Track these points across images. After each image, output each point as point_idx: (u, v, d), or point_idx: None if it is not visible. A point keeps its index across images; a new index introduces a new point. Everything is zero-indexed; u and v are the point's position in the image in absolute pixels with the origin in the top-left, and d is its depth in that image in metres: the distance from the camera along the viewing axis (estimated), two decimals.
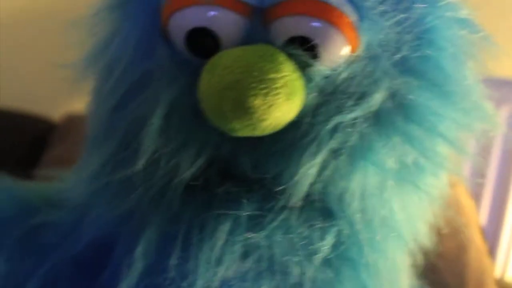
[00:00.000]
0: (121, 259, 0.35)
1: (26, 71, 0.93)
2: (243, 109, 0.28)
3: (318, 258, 0.32)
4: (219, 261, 0.31)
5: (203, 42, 0.31)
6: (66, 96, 0.98)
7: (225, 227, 0.31)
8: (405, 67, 0.32)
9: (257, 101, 0.27)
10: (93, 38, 0.37)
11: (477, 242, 0.68)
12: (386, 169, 0.32)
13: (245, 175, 0.33)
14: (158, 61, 0.32)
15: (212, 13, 0.30)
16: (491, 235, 0.97)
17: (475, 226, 0.70)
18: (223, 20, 0.31)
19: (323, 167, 0.31)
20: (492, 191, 0.98)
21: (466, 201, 0.70)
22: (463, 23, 0.35)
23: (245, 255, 0.32)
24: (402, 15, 0.32)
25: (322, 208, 0.33)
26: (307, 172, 0.31)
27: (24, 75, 0.94)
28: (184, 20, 0.31)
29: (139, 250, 0.33)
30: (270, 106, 0.28)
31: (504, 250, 0.97)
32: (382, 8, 0.31)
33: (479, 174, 0.96)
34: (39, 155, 0.84)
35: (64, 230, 0.39)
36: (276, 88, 0.28)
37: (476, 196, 0.93)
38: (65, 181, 0.43)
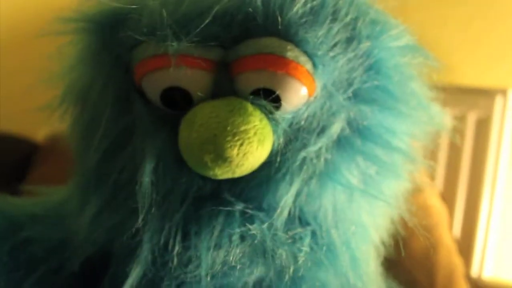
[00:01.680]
0: (120, 265, 0.37)
1: (8, 93, 0.94)
2: (222, 159, 0.31)
3: (300, 255, 0.36)
4: (218, 247, 0.34)
5: (176, 98, 0.34)
6: (49, 117, 0.99)
7: (220, 219, 0.34)
8: (358, 98, 0.36)
9: (234, 151, 0.31)
10: (68, 80, 0.40)
11: (446, 241, 0.70)
12: (352, 184, 0.36)
13: (229, 205, 0.35)
14: (137, 116, 0.35)
15: (181, 73, 0.33)
16: (467, 236, 1.00)
17: (444, 227, 0.73)
18: (192, 78, 0.34)
19: (297, 194, 0.35)
20: (465, 194, 1.01)
21: (435, 204, 0.73)
22: (406, 49, 0.38)
23: (241, 240, 0.35)
24: (351, 54, 0.35)
25: (297, 220, 0.37)
26: (285, 201, 0.34)
27: (6, 97, 0.95)
28: (156, 81, 0.34)
29: (144, 248, 0.35)
30: (245, 154, 0.31)
31: (479, 250, 1.00)
32: (333, 53, 0.35)
33: (450, 178, 0.99)
34: (23, 176, 0.84)
35: (51, 246, 0.40)
36: (249, 137, 0.31)
37: (450, 200, 0.96)
38: (50, 199, 0.44)
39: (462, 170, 1.01)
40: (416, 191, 0.71)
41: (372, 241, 0.41)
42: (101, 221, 0.37)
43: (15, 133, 0.95)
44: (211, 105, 0.33)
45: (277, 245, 0.35)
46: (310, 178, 0.35)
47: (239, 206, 0.35)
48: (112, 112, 0.36)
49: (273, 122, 0.34)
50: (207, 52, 0.34)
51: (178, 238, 0.34)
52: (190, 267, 0.34)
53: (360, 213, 0.38)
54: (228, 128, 0.31)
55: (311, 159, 0.35)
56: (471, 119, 1.02)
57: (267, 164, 0.34)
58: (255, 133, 0.32)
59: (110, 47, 0.36)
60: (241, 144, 0.31)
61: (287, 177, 0.34)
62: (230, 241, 0.34)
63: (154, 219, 0.34)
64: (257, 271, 0.35)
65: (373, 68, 0.37)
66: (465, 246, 0.96)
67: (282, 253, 0.35)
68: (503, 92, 1.01)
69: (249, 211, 0.35)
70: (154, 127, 0.35)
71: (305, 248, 0.35)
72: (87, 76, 0.38)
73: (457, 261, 0.70)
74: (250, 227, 0.34)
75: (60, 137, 0.88)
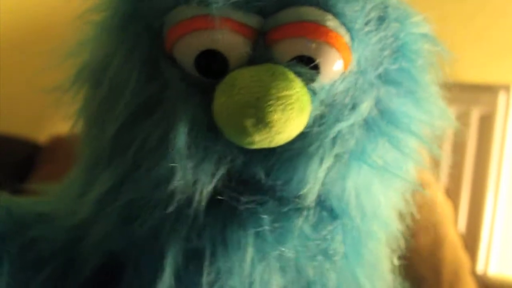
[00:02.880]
0: (137, 278, 0.36)
1: (10, 95, 0.95)
2: (263, 124, 0.30)
3: (333, 257, 0.35)
4: (251, 275, 0.34)
5: (212, 63, 0.33)
6: (51, 118, 0.99)
7: (250, 241, 0.33)
8: (385, 78, 0.36)
9: (276, 116, 0.30)
10: (80, 61, 0.39)
11: (451, 237, 0.70)
12: (374, 167, 0.36)
13: (258, 185, 0.35)
14: (168, 81, 0.34)
15: (220, 36, 0.33)
16: (471, 233, 1.00)
17: (449, 223, 0.73)
18: (231, 42, 0.33)
19: (328, 171, 0.34)
20: (470, 191, 1.01)
21: (441, 200, 0.73)
22: (426, 37, 0.39)
23: (276, 268, 0.34)
24: (382, 33, 0.36)
25: (325, 211, 0.36)
26: (316, 177, 0.34)
27: (8, 98, 0.95)
28: (192, 43, 0.33)
29: (167, 268, 0.34)
30: (286, 120, 0.31)
31: (484, 247, 1.00)
32: (367, 28, 0.35)
33: (455, 175, 0.99)
34: (26, 177, 0.85)
35: (57, 246, 0.39)
36: (291, 103, 0.31)
37: (454, 197, 0.96)
38: (54, 198, 0.44)
39: (466, 166, 1.01)
40: (421, 188, 0.71)
41: (388, 231, 0.41)
42: (116, 196, 0.35)
43: (17, 134, 0.95)
44: (252, 70, 0.32)
45: (309, 261, 0.35)
46: (341, 155, 0.34)
47: (270, 183, 0.34)
48: (138, 80, 0.34)
49: (311, 91, 0.33)
50: (247, 17, 0.33)
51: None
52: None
53: (379, 198, 0.38)
54: (271, 91, 0.30)
55: (344, 135, 0.34)
56: (475, 115, 1.02)
57: (301, 136, 0.33)
58: (296, 100, 0.31)
59: (140, 14, 0.35)
60: (283, 110, 0.30)
61: (320, 151, 0.33)
62: (264, 266, 0.34)
63: (182, 191, 0.33)
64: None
65: (399, 51, 0.37)
66: (470, 243, 0.96)
67: (313, 270, 0.35)
68: (506, 88, 1.01)
69: (279, 189, 0.34)
70: (186, 92, 0.33)
71: (337, 250, 0.36)
72: (108, 48, 0.36)
73: (463, 257, 0.70)
74: (282, 247, 0.34)
75: (63, 138, 0.89)
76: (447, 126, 0.40)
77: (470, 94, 1.02)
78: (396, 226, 0.41)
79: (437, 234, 0.68)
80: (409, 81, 0.37)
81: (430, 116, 0.39)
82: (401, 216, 0.42)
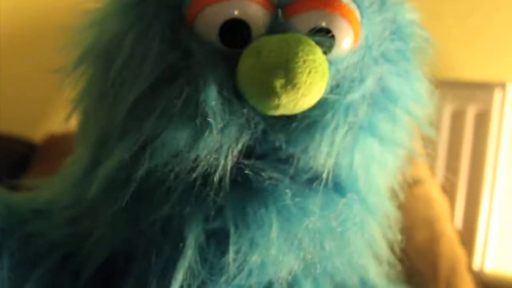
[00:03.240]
0: (147, 266, 0.36)
1: (5, 94, 0.94)
2: (291, 85, 0.31)
3: (349, 229, 0.37)
4: (275, 251, 0.34)
5: (236, 33, 0.35)
6: (47, 117, 0.99)
7: (273, 217, 0.34)
8: (386, 57, 0.38)
9: (303, 78, 0.31)
10: (83, 46, 0.39)
11: (448, 233, 0.70)
12: (378, 138, 0.38)
13: (276, 156, 0.35)
14: (191, 51, 0.35)
15: (245, 5, 0.34)
16: (468, 230, 1.00)
17: (446, 219, 0.73)
18: (254, 12, 0.35)
19: (342, 140, 0.35)
20: (466, 188, 1.01)
21: (437, 196, 0.73)
22: (416, 23, 0.42)
23: (299, 242, 0.35)
24: (383, 15, 0.38)
25: (337, 184, 0.37)
26: (332, 144, 0.35)
27: (3, 97, 0.95)
28: (218, 13, 0.34)
29: (188, 250, 0.34)
30: (311, 82, 0.32)
31: (481, 244, 1.00)
32: (372, 8, 0.38)
33: (451, 171, 1.00)
34: (21, 176, 0.84)
35: (54, 241, 0.39)
36: (316, 67, 0.32)
37: (450, 194, 0.96)
38: (51, 191, 0.43)
39: (462, 163, 1.01)
40: (417, 184, 0.71)
41: (384, 208, 0.42)
42: (131, 170, 0.35)
43: (12, 133, 0.94)
44: (277, 36, 0.34)
45: (327, 235, 0.36)
46: (353, 124, 0.35)
47: (289, 151, 0.35)
48: (158, 51, 0.35)
49: (328, 60, 0.35)
50: None
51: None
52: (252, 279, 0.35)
53: (378, 172, 0.40)
54: (299, 54, 0.32)
55: (356, 105, 0.36)
56: (471, 113, 1.02)
57: (318, 105, 0.34)
58: (319, 64, 0.32)
59: None
60: (309, 72, 0.32)
61: (335, 119, 0.35)
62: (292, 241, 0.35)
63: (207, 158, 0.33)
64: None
65: (396, 33, 0.39)
66: (467, 240, 0.96)
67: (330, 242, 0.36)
68: (502, 85, 1.01)
69: (296, 159, 0.35)
70: (212, 58, 0.34)
71: (351, 223, 0.37)
72: (120, 26, 0.37)
73: (460, 252, 0.70)
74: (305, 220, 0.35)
75: (59, 137, 0.89)
76: (433, 107, 0.42)
77: (466, 92, 1.03)
78: (390, 202, 0.43)
79: (434, 229, 0.68)
80: (405, 61, 0.40)
81: (420, 96, 0.41)
82: (394, 192, 0.43)
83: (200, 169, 0.34)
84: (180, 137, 0.33)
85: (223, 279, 0.35)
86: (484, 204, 1.00)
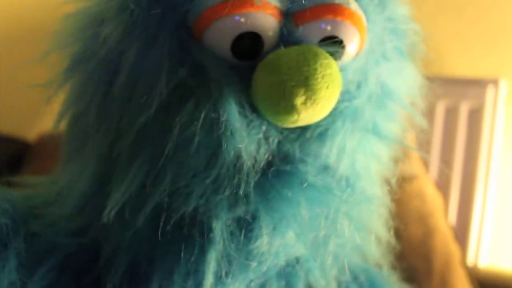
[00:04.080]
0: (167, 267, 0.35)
1: None
2: (311, 101, 0.32)
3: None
4: (311, 228, 0.35)
5: (248, 46, 0.34)
6: (40, 116, 0.99)
7: (300, 195, 0.34)
8: (385, 56, 0.39)
9: (322, 93, 0.32)
10: (70, 53, 0.38)
11: (442, 228, 0.71)
12: (378, 138, 0.38)
13: (291, 160, 0.35)
14: (203, 66, 0.34)
15: (255, 17, 0.33)
16: (461, 226, 1.00)
17: (440, 214, 0.73)
18: (265, 23, 0.34)
19: (350, 144, 0.36)
20: (459, 184, 1.02)
21: (430, 191, 0.73)
22: (408, 19, 0.41)
23: (326, 217, 0.35)
24: (383, 15, 0.38)
25: (341, 179, 0.37)
26: (344, 149, 0.35)
27: None
28: (229, 27, 0.33)
29: (216, 240, 0.34)
30: (329, 97, 0.32)
31: (474, 240, 1.01)
32: (375, 10, 0.38)
33: (445, 166, 1.00)
34: (15, 175, 0.83)
35: (52, 241, 0.38)
36: (333, 81, 0.32)
37: (444, 190, 0.96)
38: (50, 193, 0.42)
39: (456, 160, 1.01)
40: (411, 179, 0.72)
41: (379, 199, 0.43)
42: (148, 194, 0.34)
43: (6, 132, 0.94)
44: (295, 50, 0.33)
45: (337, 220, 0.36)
46: (359, 128, 0.36)
47: (303, 159, 0.35)
48: (167, 67, 0.34)
49: (340, 68, 0.35)
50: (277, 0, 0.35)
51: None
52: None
53: (375, 167, 0.40)
54: (318, 70, 0.32)
55: (360, 109, 0.36)
56: (464, 109, 1.03)
57: (330, 112, 0.35)
58: (335, 78, 0.33)
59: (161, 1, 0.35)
60: (327, 87, 0.32)
61: (345, 126, 0.35)
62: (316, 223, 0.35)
63: (227, 179, 0.33)
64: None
65: (393, 31, 0.39)
66: (461, 236, 0.96)
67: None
68: (495, 82, 1.02)
69: (311, 167, 0.35)
70: (227, 74, 0.34)
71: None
72: (120, 33, 0.35)
73: (453, 247, 0.70)
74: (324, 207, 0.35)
75: (52, 136, 0.88)
76: (426, 102, 0.43)
77: (459, 88, 1.03)
78: (384, 192, 0.43)
79: (428, 225, 0.69)
80: (400, 58, 0.40)
81: (413, 89, 0.42)
82: (388, 182, 0.43)
83: (222, 189, 0.34)
84: (200, 156, 0.33)
85: (257, 262, 0.35)
86: (478, 200, 1.00)
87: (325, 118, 0.35)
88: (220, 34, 0.34)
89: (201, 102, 0.33)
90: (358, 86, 0.37)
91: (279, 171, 0.35)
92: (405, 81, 0.41)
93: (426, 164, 0.90)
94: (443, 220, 0.73)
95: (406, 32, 0.41)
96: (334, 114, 0.35)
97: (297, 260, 0.38)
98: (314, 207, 0.35)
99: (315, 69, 0.32)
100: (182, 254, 0.35)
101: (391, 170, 0.42)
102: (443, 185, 0.96)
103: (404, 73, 0.40)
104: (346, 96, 0.36)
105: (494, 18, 1.04)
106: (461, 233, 0.98)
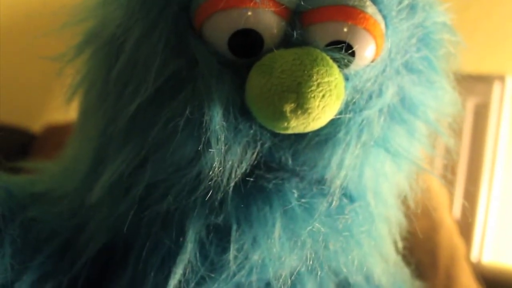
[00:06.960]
0: (147, 257, 0.35)
1: (3, 83, 0.94)
2: (302, 110, 0.29)
3: (356, 236, 0.36)
4: (278, 250, 0.33)
5: (246, 43, 0.32)
6: (45, 107, 0.99)
7: (277, 217, 0.33)
8: (409, 67, 0.36)
9: (316, 103, 0.29)
10: (85, 29, 0.37)
11: (447, 223, 0.71)
12: (391, 153, 0.36)
13: (282, 168, 0.34)
14: (198, 60, 0.32)
15: (258, 14, 0.31)
16: (466, 221, 1.00)
17: (445, 209, 0.73)
18: (268, 22, 0.32)
19: (353, 158, 0.34)
20: (465, 179, 1.02)
21: (436, 186, 0.73)
22: (446, 27, 0.39)
23: (303, 243, 0.34)
24: (411, 22, 0.35)
25: (344, 195, 0.36)
26: (342, 164, 0.33)
27: (2, 87, 0.95)
28: (228, 21, 0.32)
29: (188, 244, 0.33)
30: (324, 106, 0.30)
31: (479, 236, 1.00)
32: (400, 16, 0.35)
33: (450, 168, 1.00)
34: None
35: (52, 227, 0.38)
36: (330, 90, 0.30)
37: (450, 184, 0.96)
38: (53, 177, 0.43)
39: (461, 155, 1.01)
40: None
41: (392, 215, 0.42)
42: (133, 180, 0.34)
43: (11, 123, 0.94)
44: (292, 52, 0.31)
45: (334, 240, 0.35)
46: (367, 142, 0.34)
47: (295, 168, 0.33)
48: (164, 55, 0.33)
49: (345, 76, 0.33)
50: None
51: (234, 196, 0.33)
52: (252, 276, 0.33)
53: (389, 184, 0.38)
54: (314, 77, 0.29)
55: (370, 122, 0.34)
56: (470, 105, 1.02)
57: (330, 122, 0.33)
58: (335, 86, 0.30)
59: None
60: (323, 96, 0.30)
61: (347, 138, 0.33)
62: (294, 241, 0.34)
63: (211, 177, 0.32)
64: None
65: (423, 40, 0.36)
66: (465, 231, 0.96)
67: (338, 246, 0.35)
68: (501, 78, 1.02)
69: (303, 173, 0.33)
70: (219, 71, 0.32)
71: (357, 229, 0.36)
72: (125, 18, 0.34)
73: (458, 242, 0.70)
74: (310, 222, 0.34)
75: (57, 127, 0.88)
76: (458, 115, 0.40)
77: (465, 84, 1.02)
78: (399, 209, 0.42)
79: (433, 219, 0.68)
80: (429, 70, 0.37)
81: (444, 105, 0.39)
82: (405, 199, 0.42)
83: (201, 187, 0.32)
84: (182, 152, 0.32)
85: (223, 276, 0.33)
86: (483, 196, 1.00)
87: (325, 128, 0.33)
88: (219, 27, 0.32)
89: (189, 98, 0.32)
90: (370, 97, 0.34)
91: (263, 186, 0.33)
92: (434, 96, 0.37)
93: (431, 159, 0.90)
94: (448, 214, 0.73)
95: (439, 42, 0.38)
96: (336, 125, 0.33)
97: (293, 277, 0.36)
98: (288, 234, 0.33)
99: (310, 76, 0.29)
100: (157, 248, 0.35)
101: (405, 188, 0.40)
102: (448, 180, 0.95)
103: (433, 87, 0.37)
104: (352, 106, 0.33)
105: (501, 14, 1.03)
106: (466, 228, 0.98)
